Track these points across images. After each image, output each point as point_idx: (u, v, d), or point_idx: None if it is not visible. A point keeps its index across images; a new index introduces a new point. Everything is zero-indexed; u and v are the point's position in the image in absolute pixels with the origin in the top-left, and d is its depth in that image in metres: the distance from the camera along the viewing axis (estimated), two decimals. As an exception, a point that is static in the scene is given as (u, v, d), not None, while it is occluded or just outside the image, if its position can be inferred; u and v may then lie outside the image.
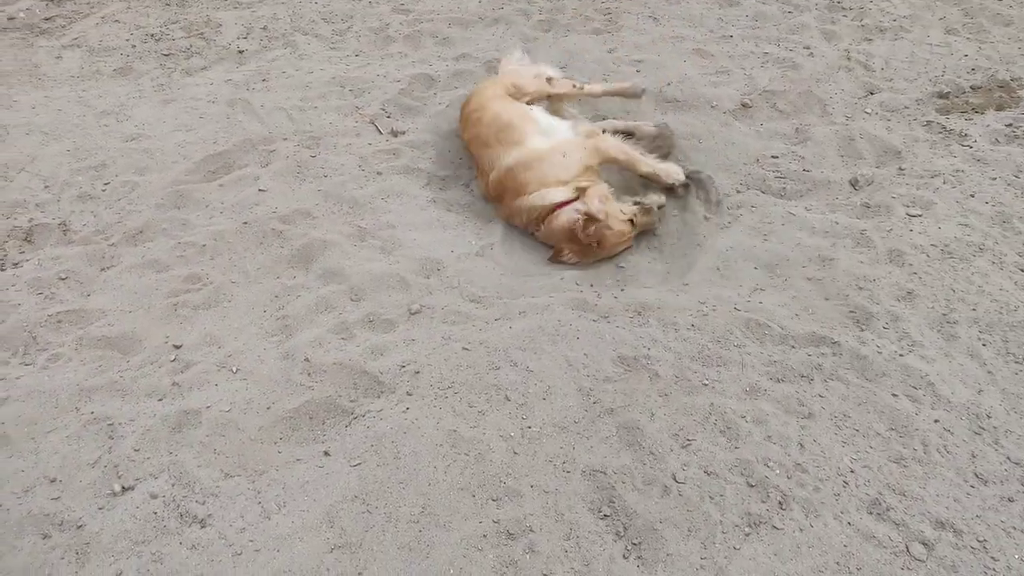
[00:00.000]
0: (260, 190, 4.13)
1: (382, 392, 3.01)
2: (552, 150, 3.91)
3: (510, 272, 3.69)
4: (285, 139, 4.55)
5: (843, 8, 5.63)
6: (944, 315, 3.21)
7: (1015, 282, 3.38)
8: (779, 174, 4.14)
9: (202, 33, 5.83)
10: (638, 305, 3.38)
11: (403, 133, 4.60)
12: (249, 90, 5.03)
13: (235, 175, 4.29)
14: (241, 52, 5.52)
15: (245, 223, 3.93)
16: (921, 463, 2.66)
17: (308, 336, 3.27)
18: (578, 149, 3.92)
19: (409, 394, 2.99)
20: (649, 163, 4.00)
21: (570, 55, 5.25)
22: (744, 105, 4.68)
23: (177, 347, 3.28)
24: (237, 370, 3.15)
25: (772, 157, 4.24)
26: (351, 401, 2.98)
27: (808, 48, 5.21)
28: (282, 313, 3.42)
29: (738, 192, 4.04)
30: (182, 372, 3.15)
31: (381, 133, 4.61)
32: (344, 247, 3.76)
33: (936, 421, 2.79)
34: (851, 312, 3.24)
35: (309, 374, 3.09)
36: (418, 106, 4.83)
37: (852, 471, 2.64)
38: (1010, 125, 4.40)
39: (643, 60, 5.15)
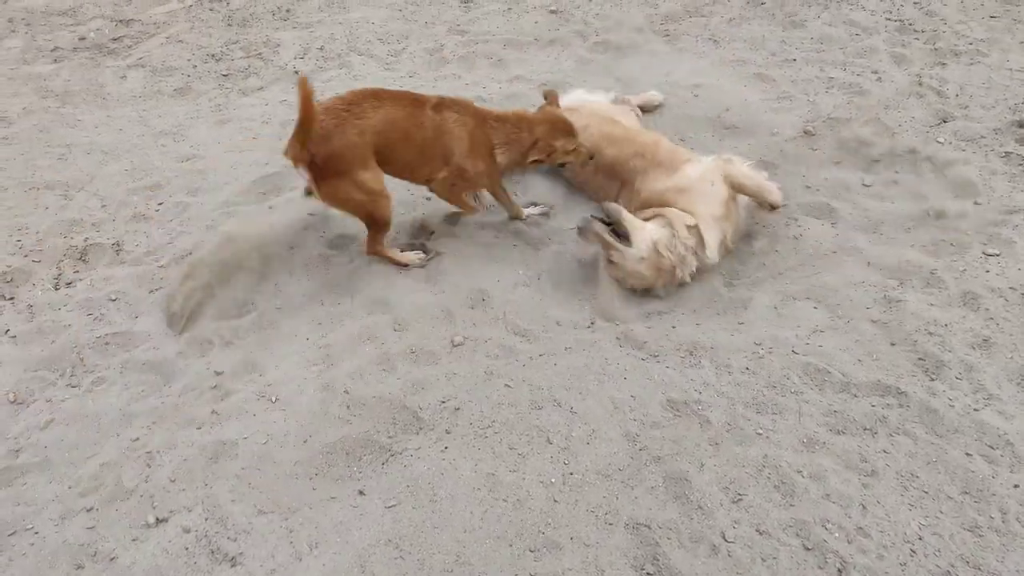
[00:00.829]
0: (309, 214, 4.12)
1: (421, 429, 2.93)
2: (701, 178, 3.72)
3: (556, 303, 3.58)
4: (336, 161, 4.53)
5: (915, 30, 5.37)
6: (1023, 367, 2.97)
7: (1104, 332, 3.12)
8: (848, 204, 3.93)
9: (260, 53, 5.91)
10: (690, 344, 3.23)
11: (453, 157, 4.54)
12: (303, 112, 5.04)
13: (284, 197, 4.29)
14: (297, 72, 5.56)
15: (292, 248, 3.91)
16: (998, 532, 2.45)
17: (349, 367, 3.21)
18: (717, 177, 3.73)
19: (448, 432, 2.90)
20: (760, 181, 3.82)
21: (626, 79, 5.13)
22: (807, 132, 4.49)
23: (219, 374, 3.27)
24: (276, 400, 3.11)
25: (841, 187, 4.04)
26: (389, 437, 2.91)
27: (876, 72, 4.98)
28: (324, 342, 3.38)
29: (797, 223, 3.85)
30: (222, 400, 3.13)
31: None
32: (390, 275, 3.70)
33: (1016, 486, 2.56)
34: (920, 359, 3.03)
35: (348, 407, 3.03)
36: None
37: (920, 538, 2.44)
38: (1098, 158, 4.11)
39: (701, 84, 5.00)
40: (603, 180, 4.07)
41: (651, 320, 3.46)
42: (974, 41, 5.22)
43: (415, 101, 3.59)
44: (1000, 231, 3.67)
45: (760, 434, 2.80)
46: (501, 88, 5.18)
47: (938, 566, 2.37)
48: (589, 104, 4.45)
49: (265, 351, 3.37)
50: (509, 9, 6.21)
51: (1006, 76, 4.83)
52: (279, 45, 5.94)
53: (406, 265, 3.74)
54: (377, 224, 3.61)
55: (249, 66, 5.76)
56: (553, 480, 2.69)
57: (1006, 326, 3.15)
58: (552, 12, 6.09)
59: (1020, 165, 4.09)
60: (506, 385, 3.06)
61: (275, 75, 5.60)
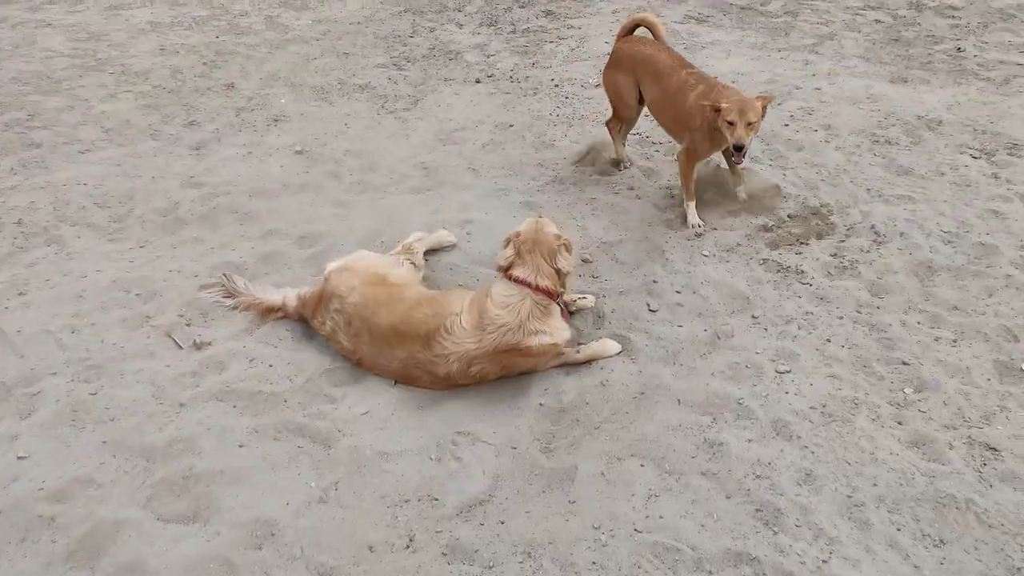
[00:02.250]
0: (19, 457, 3.21)
1: None
2: None
3: (363, 519, 3.04)
4: (54, 374, 3.66)
5: (652, 141, 5.69)
6: (849, 497, 2.97)
7: (898, 439, 3.25)
8: (642, 334, 3.87)
9: (-64, 236, 4.78)
10: (525, 543, 2.86)
11: (209, 344, 3.86)
12: (1, 310, 4.07)
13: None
14: (-12, 257, 4.54)
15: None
16: None
17: None
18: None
19: None
20: None
21: (391, 219, 4.81)
22: (585, 261, 4.44)
23: None
24: None
25: (630, 316, 3.98)
26: None
27: (632, 189, 5.14)
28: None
29: (600, 366, 3.69)
30: None
31: (181, 348, 3.85)
32: (144, 526, 2.94)
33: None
34: (758, 511, 2.92)
35: None
36: (224, 306, 4.11)
37: None
38: (835, 255, 4.48)
39: (472, 220, 4.82)
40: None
41: (475, 513, 3.04)
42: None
43: None
44: (783, 344, 3.79)
45: (627, 647, 2.47)
46: (254, 248, 4.60)
47: None
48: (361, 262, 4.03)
49: None
50: (249, 153, 5.67)
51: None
52: (-39, 223, 4.86)
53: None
54: None
55: (-79, 254, 4.62)
56: None
57: (820, 452, 3.17)
58: (298, 153, 5.66)
59: (778, 272, 4.33)
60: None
61: (-41, 263, 4.52)
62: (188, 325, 3.98)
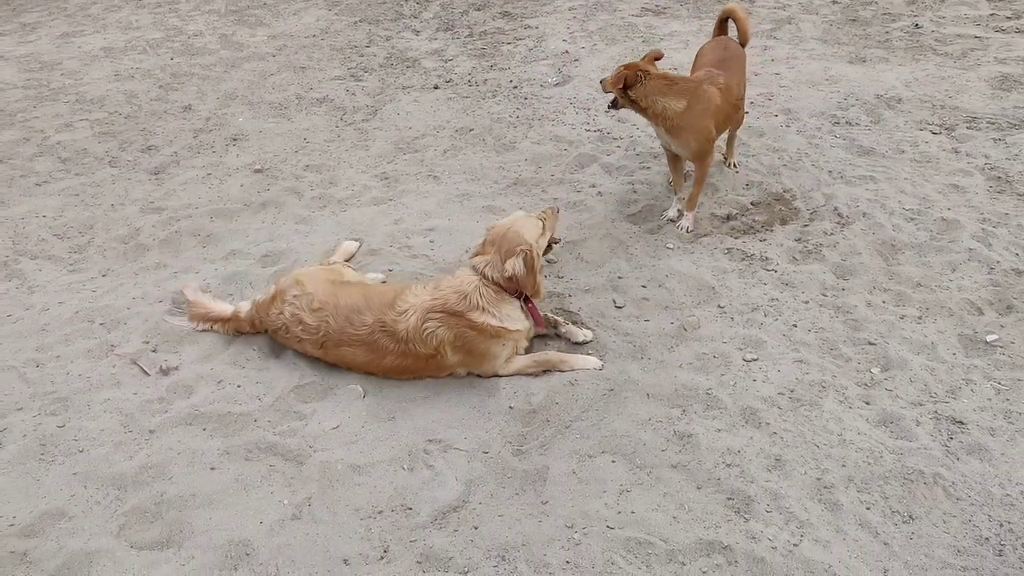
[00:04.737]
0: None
1: None
2: None
3: (337, 533, 3.02)
4: (20, 409, 3.61)
5: (612, 138, 5.70)
6: (818, 479, 2.99)
7: (866, 419, 3.28)
8: (609, 332, 3.87)
9: None
10: (499, 547, 2.85)
11: (175, 369, 3.82)
12: (-38, 349, 4.02)
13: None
14: (-52, 297, 4.48)
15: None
16: None
17: None
18: None
19: None
20: None
21: (353, 232, 4.79)
22: (549, 261, 4.44)
23: None
24: None
25: (597, 314, 3.98)
26: None
27: (595, 187, 5.16)
28: None
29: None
30: None
31: (148, 374, 3.81)
32: (117, 555, 2.90)
33: (858, 626, 2.48)
34: (729, 499, 2.94)
35: None
36: (189, 329, 4.08)
37: None
38: (799, 240, 4.51)
39: (434, 227, 4.81)
40: None
41: (449, 520, 3.03)
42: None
43: None
44: (749, 332, 3.81)
45: (604, 645, 2.48)
46: (218, 269, 4.56)
47: None
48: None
49: None
50: (208, 175, 5.63)
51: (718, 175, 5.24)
52: (-83, 263, 4.78)
53: None
54: None
55: None
56: None
57: (789, 438, 3.19)
58: (257, 171, 5.62)
59: (743, 259, 4.36)
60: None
61: (-83, 304, 4.45)
62: (154, 351, 3.94)
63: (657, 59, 4.41)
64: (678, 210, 4.73)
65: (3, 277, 4.61)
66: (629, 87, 4.27)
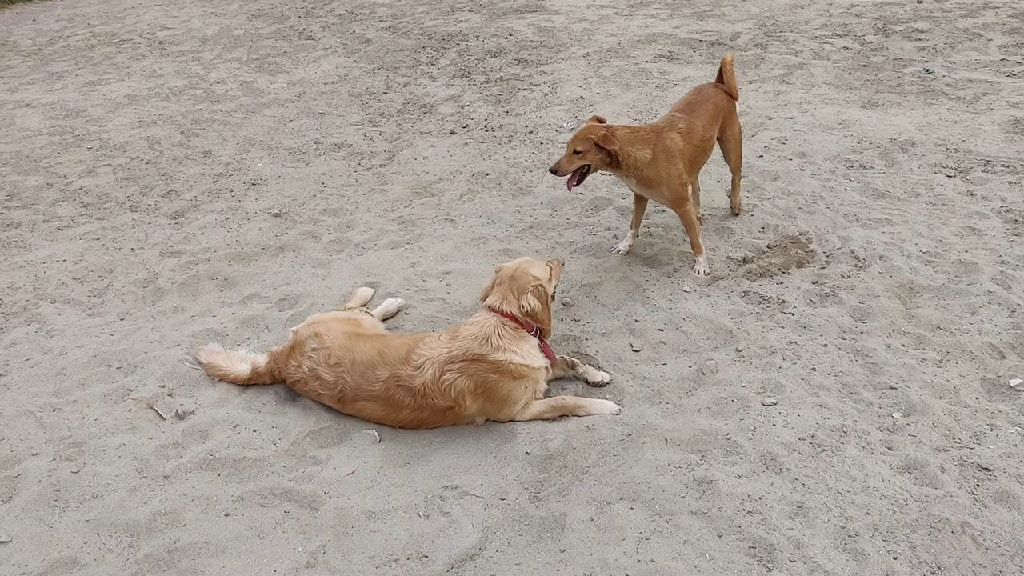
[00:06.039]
0: (1, 542, 3.15)
1: None
2: None
3: (353, 580, 2.98)
4: (35, 455, 3.61)
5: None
6: (842, 528, 2.92)
7: (889, 465, 3.22)
8: (627, 376, 3.84)
9: (-84, 322, 4.76)
10: (517, 598, 2.79)
11: (191, 414, 3.82)
12: (-19, 393, 4.04)
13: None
14: (-30, 341, 4.52)
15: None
16: None
17: None
18: None
19: None
20: None
21: (369, 276, 4.82)
22: (565, 304, 4.44)
23: None
24: None
25: (614, 358, 3.96)
26: None
27: (611, 230, 5.17)
28: None
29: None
30: None
31: (164, 418, 3.81)
32: (130, 601, 2.87)
33: None
34: (751, 548, 2.87)
35: None
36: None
37: None
38: (816, 283, 4.49)
39: (451, 271, 4.83)
40: None
41: (465, 569, 2.98)
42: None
43: None
44: (768, 376, 3.77)
45: None
46: (235, 313, 4.59)
47: None
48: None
49: None
50: (227, 219, 5.70)
51: (716, 217, 5.25)
52: (-59, 308, 4.85)
53: None
54: None
55: (-99, 341, 4.59)
56: None
57: (811, 484, 3.13)
58: (276, 216, 5.69)
59: (760, 303, 4.33)
60: None
61: (-61, 347, 4.50)
62: (170, 396, 3.95)
63: (600, 123, 4.43)
64: (628, 244, 4.87)
65: (23, 321, 4.66)
66: (610, 142, 4.24)
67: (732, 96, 4.85)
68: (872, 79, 7.38)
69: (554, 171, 4.35)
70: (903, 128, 6.29)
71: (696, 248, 4.63)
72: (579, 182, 4.39)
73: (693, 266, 4.66)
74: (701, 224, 4.99)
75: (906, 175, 5.61)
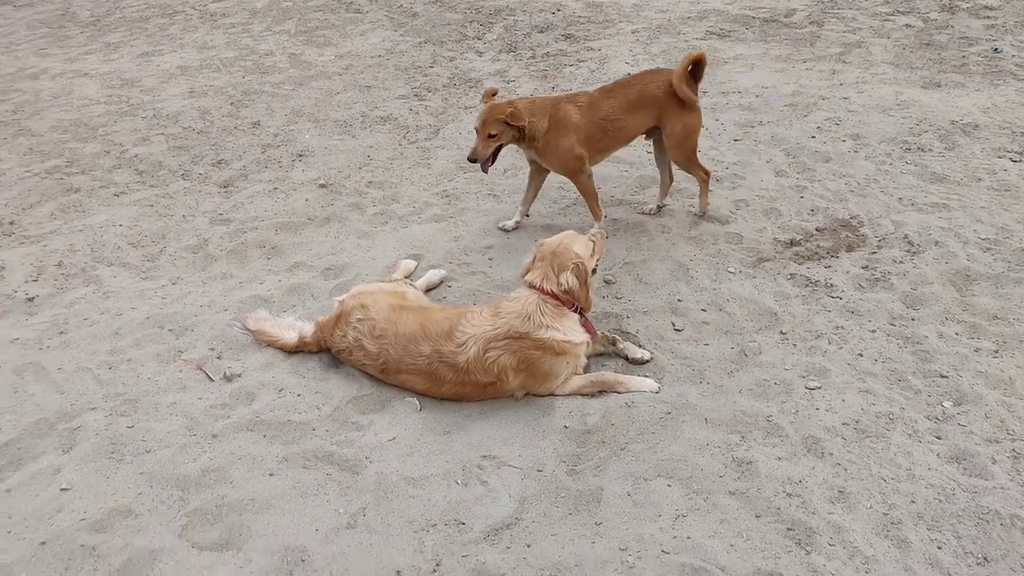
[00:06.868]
0: (62, 489, 3.29)
1: None
2: None
3: (391, 544, 3.04)
4: (93, 409, 3.74)
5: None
6: (885, 515, 2.89)
7: (938, 454, 3.16)
8: (668, 355, 3.83)
9: (-20, 280, 4.96)
10: (552, 567, 2.83)
11: (238, 376, 3.92)
12: (42, 349, 4.20)
13: (27, 472, 3.41)
14: (31, 299, 4.68)
15: (43, 543, 3.06)
16: None
17: None
18: None
19: None
20: None
21: (413, 248, 4.86)
22: (608, 281, 4.42)
23: None
24: None
25: (655, 336, 3.94)
26: None
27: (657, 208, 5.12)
28: None
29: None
30: None
31: (212, 380, 3.91)
32: (179, 554, 2.97)
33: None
34: (789, 530, 2.85)
35: None
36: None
37: None
38: (866, 267, 4.40)
39: (492, 245, 4.84)
40: None
41: (501, 537, 3.02)
42: (729, 165, 5.59)
43: None
44: (814, 360, 3.72)
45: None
46: (281, 280, 4.68)
47: None
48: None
49: None
50: (275, 188, 5.79)
51: (764, 198, 5.16)
52: (3, 267, 5.03)
53: None
54: None
55: (-34, 298, 4.79)
56: None
57: (854, 470, 3.09)
58: (322, 187, 5.76)
59: (807, 286, 4.26)
60: None
61: (2, 306, 4.67)
62: (219, 358, 4.05)
63: (494, 95, 4.48)
64: (516, 221, 4.94)
65: (81, 282, 4.81)
66: (518, 118, 4.29)
67: (681, 96, 4.47)
68: (935, 58, 7.14)
69: (473, 160, 4.43)
70: (966, 110, 6.08)
71: (595, 215, 4.77)
72: (493, 161, 4.48)
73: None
74: (658, 212, 5.04)
75: (967, 159, 5.43)
